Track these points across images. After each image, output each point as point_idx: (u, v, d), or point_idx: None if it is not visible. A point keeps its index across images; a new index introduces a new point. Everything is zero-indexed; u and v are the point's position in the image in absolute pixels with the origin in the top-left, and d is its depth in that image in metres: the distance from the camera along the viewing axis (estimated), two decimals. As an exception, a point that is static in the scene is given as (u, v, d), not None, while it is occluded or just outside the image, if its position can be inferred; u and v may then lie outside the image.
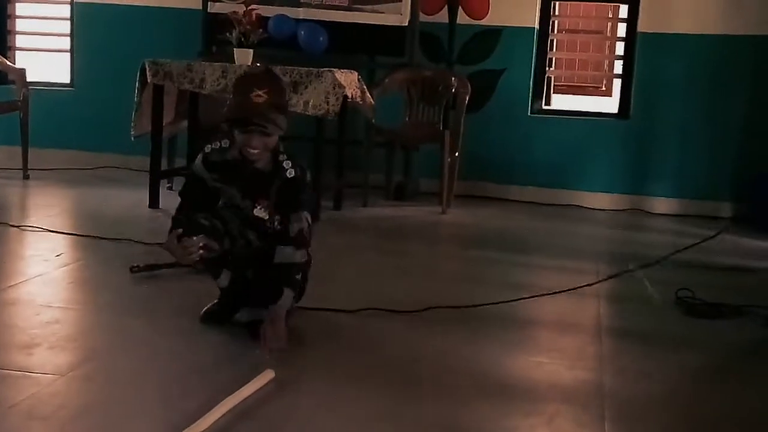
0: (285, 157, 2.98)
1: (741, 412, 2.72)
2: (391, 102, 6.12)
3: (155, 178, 5.48)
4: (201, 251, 2.91)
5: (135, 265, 3.77)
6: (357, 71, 5.45)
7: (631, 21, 6.38)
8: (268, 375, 2.64)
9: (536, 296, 3.63)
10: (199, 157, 3.09)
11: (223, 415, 2.34)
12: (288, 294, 2.95)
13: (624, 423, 2.53)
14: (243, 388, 2.51)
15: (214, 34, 6.07)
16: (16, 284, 3.68)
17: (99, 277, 3.86)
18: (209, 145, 3.06)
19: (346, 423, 2.44)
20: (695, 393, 2.86)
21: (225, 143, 3.01)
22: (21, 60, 7.09)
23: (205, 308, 3.20)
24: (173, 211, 3.12)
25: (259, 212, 3.00)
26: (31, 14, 7.30)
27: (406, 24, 6.05)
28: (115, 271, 3.82)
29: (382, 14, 6.04)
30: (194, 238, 2.88)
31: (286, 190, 2.98)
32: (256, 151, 2.91)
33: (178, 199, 3.12)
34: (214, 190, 3.07)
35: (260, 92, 2.85)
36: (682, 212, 6.15)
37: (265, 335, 2.85)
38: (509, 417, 2.53)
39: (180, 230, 2.89)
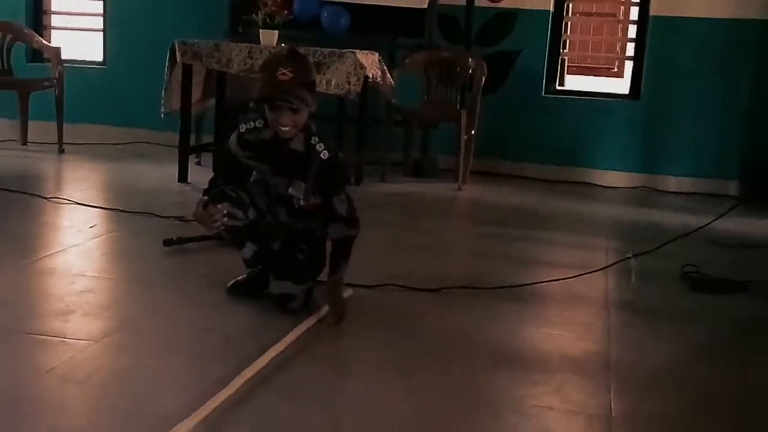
0: (317, 139, 2.98)
1: (742, 386, 2.73)
2: (410, 82, 6.11)
3: (184, 153, 5.50)
4: (225, 218, 2.91)
5: (168, 238, 3.77)
6: (378, 52, 5.44)
7: (644, 4, 6.33)
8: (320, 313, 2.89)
9: (549, 281, 3.60)
10: (234, 135, 3.09)
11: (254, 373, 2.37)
12: (344, 266, 3.01)
13: (629, 393, 2.54)
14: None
15: (240, 15, 6.07)
16: (52, 254, 3.71)
17: (131, 248, 3.89)
18: (244, 124, 3.06)
19: (364, 390, 2.47)
20: (698, 366, 2.86)
21: (259, 123, 3.00)
22: (56, 39, 7.11)
23: (233, 281, 3.22)
24: (201, 185, 3.15)
25: (294, 192, 3.00)
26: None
27: (425, 6, 6.02)
28: (145, 243, 3.87)
29: (402, -3, 6.01)
30: (219, 205, 2.90)
31: (324, 174, 2.96)
32: (286, 128, 2.90)
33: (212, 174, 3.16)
34: (246, 167, 3.10)
35: (285, 70, 2.84)
36: (692, 190, 6.12)
37: (330, 302, 2.95)
38: (521, 386, 2.56)
39: (206, 198, 2.92)
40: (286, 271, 3.06)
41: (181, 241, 3.77)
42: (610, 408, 2.42)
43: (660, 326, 3.21)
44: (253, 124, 3.02)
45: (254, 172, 3.13)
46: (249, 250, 3.14)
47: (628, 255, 3.79)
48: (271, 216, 3.08)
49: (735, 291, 3.63)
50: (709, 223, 4.09)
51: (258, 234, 3.11)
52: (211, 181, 3.11)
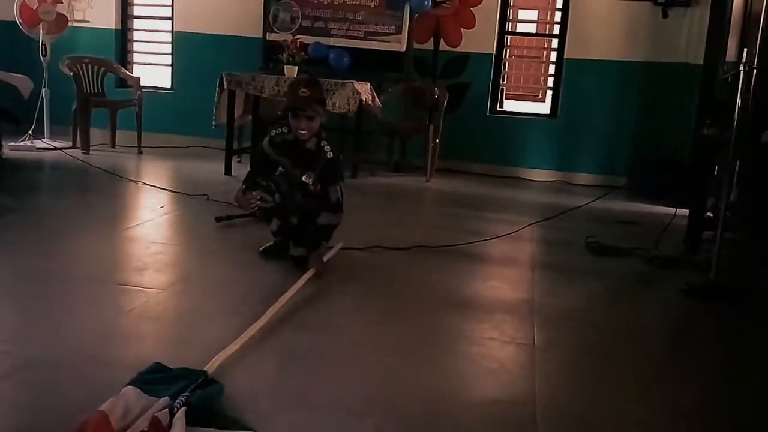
0: (326, 142, 2.97)
1: (629, 321, 2.74)
2: (392, 105, 6.04)
3: (229, 154, 5.43)
4: (258, 201, 2.94)
5: (218, 216, 3.72)
6: (369, 83, 5.38)
7: (560, 49, 6.27)
8: (310, 273, 2.80)
9: (489, 239, 3.61)
10: (266, 138, 3.08)
11: (276, 312, 2.35)
12: (324, 244, 3.02)
13: (547, 328, 2.54)
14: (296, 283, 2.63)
15: (270, 55, 5.99)
16: (133, 226, 3.67)
17: (189, 222, 3.83)
18: (273, 130, 3.06)
19: (357, 324, 2.45)
20: (598, 308, 2.86)
21: (284, 129, 3.01)
22: (137, 71, 7.00)
23: (263, 246, 3.18)
24: (241, 177, 3.12)
25: (306, 179, 2.97)
26: (145, 39, 7.19)
27: (404, 50, 5.94)
28: (200, 219, 3.81)
29: (387, 42, 5.93)
30: (253, 192, 2.92)
31: (327, 167, 2.95)
32: (304, 132, 2.91)
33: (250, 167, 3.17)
34: (274, 162, 3.06)
35: (305, 90, 2.90)
36: (593, 183, 6.10)
37: (313, 265, 2.90)
38: (469, 322, 2.55)
39: (244, 186, 2.95)
40: (302, 238, 3.03)
41: (228, 218, 3.72)
42: (534, 338, 2.42)
43: (569, 280, 3.20)
44: (280, 129, 3.01)
45: (279, 167, 3.10)
46: (275, 224, 3.11)
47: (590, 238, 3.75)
48: (291, 199, 3.06)
49: (623, 255, 3.62)
50: (593, 201, 4.10)
51: (282, 212, 3.09)
52: (248, 174, 3.08)
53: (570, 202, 5.12)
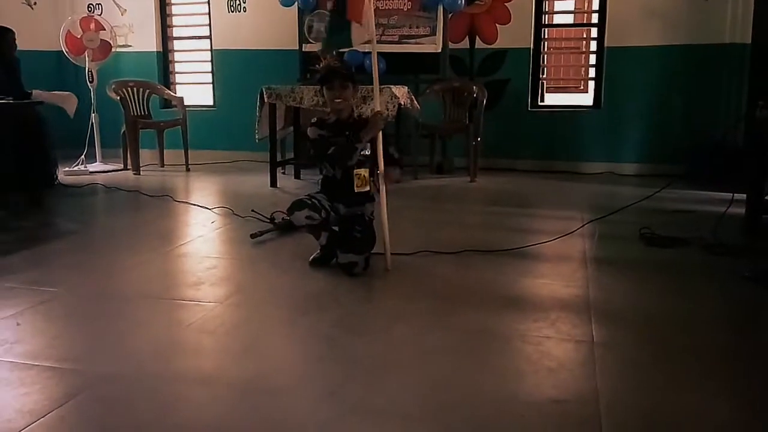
0: (357, 111, 3.21)
1: (685, 313, 2.66)
2: (431, 106, 6.04)
3: (273, 166, 5.51)
4: (306, 219, 3.02)
5: (253, 232, 3.71)
6: (406, 86, 5.39)
7: (600, 38, 6.16)
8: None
9: (541, 243, 3.54)
10: (310, 127, 3.17)
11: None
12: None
13: (605, 323, 2.49)
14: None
15: (308, 66, 6.05)
16: (186, 242, 3.76)
17: (239, 236, 3.81)
18: (314, 119, 3.20)
19: (412, 329, 2.45)
20: (657, 300, 2.79)
21: (324, 114, 3.17)
22: (180, 91, 7.17)
23: (312, 256, 3.22)
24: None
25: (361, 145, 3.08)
26: (185, 59, 7.36)
27: (440, 50, 5.92)
28: (249, 233, 3.75)
29: (422, 44, 5.91)
30: (303, 210, 3.00)
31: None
32: (339, 100, 3.03)
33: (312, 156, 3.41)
34: (328, 143, 3.08)
35: (334, 62, 3.09)
36: (642, 173, 5.97)
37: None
38: (524, 322, 2.51)
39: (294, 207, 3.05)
40: (349, 245, 3.05)
41: (261, 233, 3.71)
42: (592, 335, 2.37)
43: (625, 274, 3.13)
44: (318, 117, 3.18)
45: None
46: (324, 238, 3.15)
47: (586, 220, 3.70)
48: (335, 212, 3.11)
49: (679, 245, 3.53)
50: (652, 195, 3.98)
51: (327, 225, 3.12)
52: (318, 159, 3.17)
53: (620, 193, 5.04)
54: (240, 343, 2.35)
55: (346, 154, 3.03)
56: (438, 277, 3.08)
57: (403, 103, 5.18)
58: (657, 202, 4.10)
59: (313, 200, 3.06)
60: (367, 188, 3.10)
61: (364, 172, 3.07)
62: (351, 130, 3.08)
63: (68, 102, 5.57)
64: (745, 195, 3.80)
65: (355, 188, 3.05)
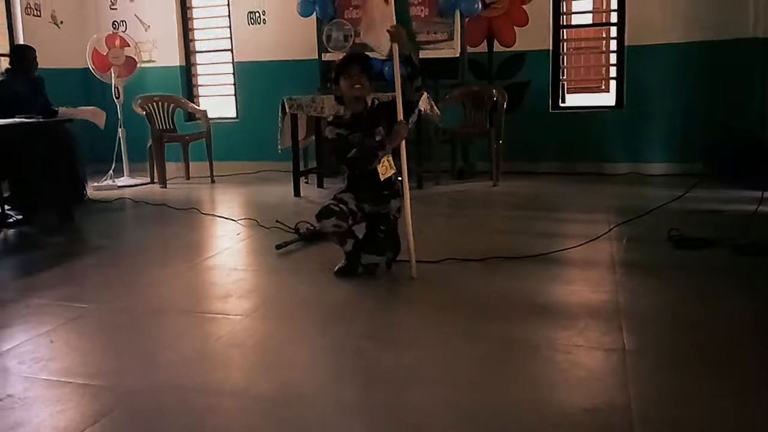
0: (372, 101, 3.15)
1: (717, 316, 2.59)
2: (451, 110, 6.01)
3: (297, 176, 5.53)
4: (333, 227, 3.01)
5: (278, 243, 3.71)
6: (426, 91, 5.36)
7: (620, 37, 6.08)
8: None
9: (568, 248, 3.48)
10: (328, 127, 3.17)
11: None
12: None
13: (635, 330, 2.44)
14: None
15: (327, 75, 6.06)
16: (213, 255, 3.77)
17: (266, 247, 3.78)
18: (330, 117, 3.23)
19: (439, 339, 2.42)
20: (688, 304, 2.72)
21: (339, 111, 3.15)
22: (203, 104, 7.25)
23: (337, 266, 3.20)
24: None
25: (378, 136, 3.06)
26: (208, 72, 7.42)
27: (458, 55, 5.91)
28: (274, 243, 3.76)
29: (441, 50, 5.90)
30: (330, 219, 3.00)
31: (390, 107, 3.07)
32: (357, 87, 2.99)
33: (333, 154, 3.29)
34: (349, 143, 3.06)
35: (349, 56, 3.10)
36: (667, 173, 5.87)
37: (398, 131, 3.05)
38: (552, 330, 2.47)
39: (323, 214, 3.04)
40: (372, 246, 3.06)
41: (286, 244, 3.71)
42: (623, 342, 2.33)
43: (655, 277, 3.07)
44: (334, 115, 3.14)
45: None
46: (350, 245, 3.15)
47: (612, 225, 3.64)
48: (360, 211, 3.11)
49: (708, 246, 3.46)
50: (681, 196, 3.91)
51: (354, 232, 3.11)
52: (338, 162, 3.15)
53: (646, 194, 4.96)
54: (268, 356, 2.35)
55: (368, 159, 3.02)
56: (464, 284, 3.05)
57: (422, 109, 5.15)
58: (684, 203, 4.01)
59: (341, 206, 3.06)
60: (393, 171, 3.09)
61: (387, 158, 3.06)
62: (368, 123, 3.06)
63: (97, 116, 5.65)
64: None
65: (381, 177, 3.05)
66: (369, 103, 3.15)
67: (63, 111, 5.36)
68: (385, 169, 3.06)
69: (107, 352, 2.43)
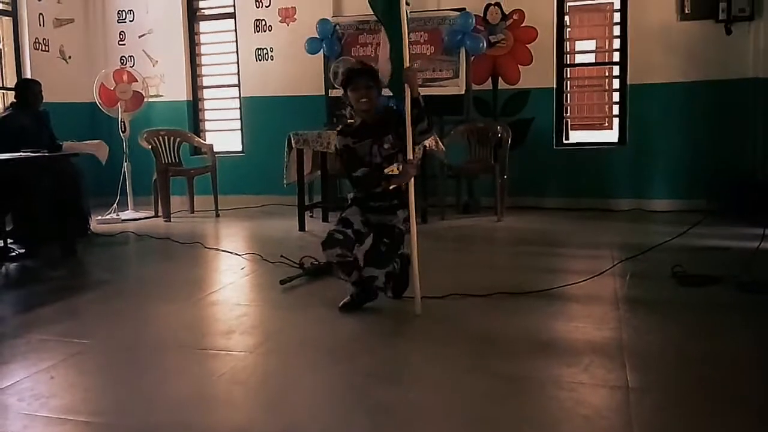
0: (391, 103, 3.07)
1: (721, 353, 2.59)
2: (456, 146, 6.07)
3: (302, 210, 5.56)
4: (338, 257, 3.07)
5: (282, 279, 3.71)
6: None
7: (622, 76, 6.17)
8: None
9: (571, 284, 3.49)
10: (337, 136, 3.22)
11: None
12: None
13: (639, 367, 2.44)
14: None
15: (334, 111, 6.17)
16: (217, 290, 3.79)
17: (270, 282, 3.80)
18: (339, 127, 3.26)
19: (443, 375, 2.42)
20: (693, 342, 2.72)
21: (349, 120, 3.15)
22: (209, 138, 7.33)
23: (342, 302, 3.21)
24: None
25: (387, 150, 3.08)
26: (215, 107, 7.53)
27: (463, 92, 5.99)
28: (279, 278, 3.76)
29: (446, 87, 5.99)
30: (334, 249, 3.04)
31: (400, 120, 3.06)
32: (364, 100, 3.03)
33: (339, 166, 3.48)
34: (357, 155, 3.09)
35: (359, 65, 3.15)
36: (671, 209, 5.89)
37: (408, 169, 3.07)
38: (557, 367, 2.47)
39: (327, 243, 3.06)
40: (373, 259, 3.08)
41: (290, 279, 3.72)
42: (627, 380, 2.32)
43: (659, 314, 3.07)
44: (344, 124, 3.17)
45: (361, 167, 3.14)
46: (355, 275, 3.16)
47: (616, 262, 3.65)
48: (366, 226, 3.14)
49: (712, 283, 3.46)
50: (684, 232, 3.92)
51: (358, 263, 3.13)
52: (346, 170, 3.18)
53: (649, 231, 4.97)
54: (271, 394, 2.35)
55: (372, 183, 3.07)
56: (469, 321, 3.05)
57: (428, 145, 5.22)
58: (687, 239, 4.03)
59: (345, 231, 3.08)
60: (398, 173, 3.11)
61: (394, 168, 3.10)
62: (378, 130, 3.10)
63: (100, 150, 5.71)
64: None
65: (390, 187, 3.07)
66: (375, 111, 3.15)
67: (67, 145, 5.42)
68: (391, 171, 3.09)
69: (108, 389, 2.43)
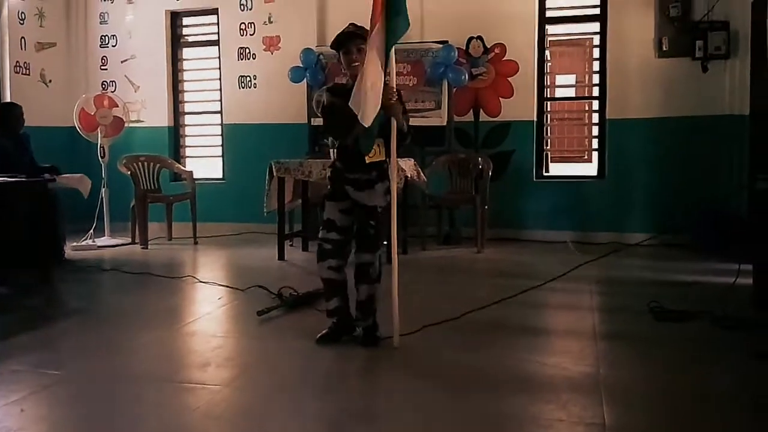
0: None
1: (697, 392, 2.62)
2: (438, 177, 6.13)
3: (281, 239, 5.56)
4: (329, 271, 3.12)
5: (259, 310, 3.69)
6: (413, 158, 5.49)
7: (602, 111, 6.30)
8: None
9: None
10: (325, 93, 3.21)
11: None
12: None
13: (616, 404, 2.46)
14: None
15: (316, 140, 6.22)
16: (193, 321, 3.76)
17: (246, 313, 3.80)
18: (329, 84, 3.20)
19: (420, 414, 2.42)
20: (669, 378, 2.76)
21: (342, 80, 3.17)
22: (190, 164, 7.32)
23: (320, 334, 3.21)
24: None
25: None
26: (196, 134, 7.54)
27: (445, 123, 6.08)
28: (257, 309, 3.75)
29: (428, 118, 6.08)
30: (326, 261, 3.12)
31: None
32: (356, 64, 3.05)
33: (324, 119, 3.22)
34: (347, 113, 3.00)
35: (350, 27, 3.10)
36: (648, 243, 5.93)
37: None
38: (535, 403, 2.49)
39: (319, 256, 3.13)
40: (364, 244, 3.11)
41: (268, 310, 3.70)
42: (603, 417, 2.34)
43: (635, 350, 3.11)
44: (334, 83, 3.17)
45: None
46: (334, 302, 3.17)
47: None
48: (348, 214, 3.13)
49: (689, 319, 3.51)
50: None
51: (345, 286, 3.17)
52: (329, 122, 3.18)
53: (627, 264, 5.03)
54: (245, 430, 2.33)
55: (350, 125, 2.99)
56: (447, 355, 3.05)
57: (409, 175, 5.27)
58: (664, 273, 4.10)
59: (331, 238, 3.11)
60: (382, 158, 3.11)
61: (378, 143, 3.09)
62: None
63: (82, 184, 5.66)
64: (750, 265, 3.80)
65: (367, 159, 3.07)
66: None
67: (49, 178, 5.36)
68: (374, 153, 3.09)
69: (80, 423, 2.40)
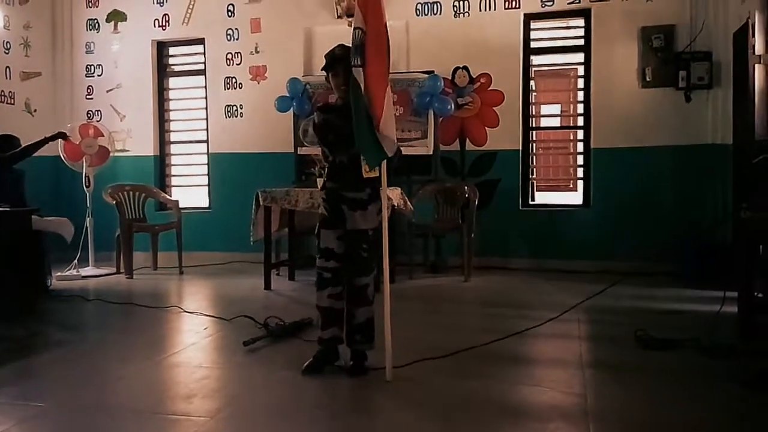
0: None
1: (684, 421, 2.65)
2: (424, 206, 6.19)
3: (268, 268, 5.57)
4: (329, 299, 3.17)
5: (246, 340, 3.69)
6: (400, 187, 5.55)
7: (586, 140, 6.41)
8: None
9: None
10: (316, 112, 3.31)
11: None
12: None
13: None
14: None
15: (303, 169, 6.27)
16: (178, 351, 3.74)
17: (232, 343, 3.80)
18: (319, 103, 3.28)
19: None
20: (657, 407, 2.78)
21: (331, 99, 3.27)
22: (176, 194, 7.33)
23: (306, 364, 3.21)
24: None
25: None
26: (182, 163, 7.56)
27: (431, 153, 6.15)
28: (241, 339, 3.74)
29: (415, 147, 6.13)
30: (326, 290, 3.17)
31: None
32: (344, 88, 3.12)
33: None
34: (333, 133, 3.15)
35: (337, 50, 3.16)
36: (633, 271, 5.98)
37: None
38: (522, 433, 2.50)
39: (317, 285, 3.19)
40: (358, 268, 3.16)
41: (254, 341, 3.70)
42: (591, 447, 2.36)
43: (623, 379, 3.13)
44: (326, 101, 3.22)
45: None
46: (329, 332, 3.18)
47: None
48: (343, 240, 3.18)
49: (675, 347, 3.55)
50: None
51: (342, 317, 3.20)
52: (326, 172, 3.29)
53: (613, 293, 5.03)
54: (232, 461, 2.32)
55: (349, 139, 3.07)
56: (436, 386, 3.06)
57: (396, 204, 5.31)
58: (649, 302, 4.14)
59: (332, 268, 3.16)
60: (376, 174, 3.14)
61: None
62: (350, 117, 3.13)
63: (65, 228, 5.60)
64: (735, 292, 3.86)
65: (364, 173, 3.12)
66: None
67: (33, 221, 5.32)
68: (369, 167, 3.13)
69: (63, 455, 2.37)
